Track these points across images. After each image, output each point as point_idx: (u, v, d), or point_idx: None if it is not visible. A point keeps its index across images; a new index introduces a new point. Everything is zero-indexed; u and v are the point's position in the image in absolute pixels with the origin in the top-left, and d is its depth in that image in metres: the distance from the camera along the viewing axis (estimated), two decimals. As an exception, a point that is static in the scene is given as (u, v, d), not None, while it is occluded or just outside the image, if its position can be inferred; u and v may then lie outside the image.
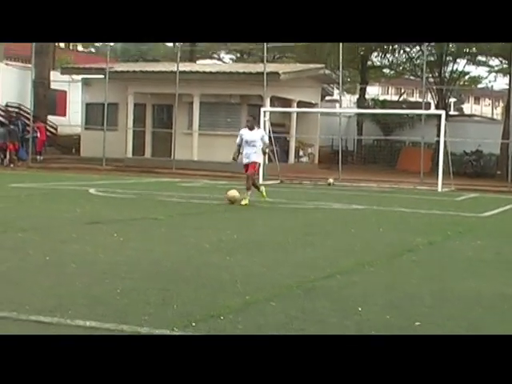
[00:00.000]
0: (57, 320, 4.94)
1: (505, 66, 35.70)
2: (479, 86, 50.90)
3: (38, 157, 30.25)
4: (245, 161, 15.30)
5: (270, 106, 27.75)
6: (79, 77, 33.57)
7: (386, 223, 12.21)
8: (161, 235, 9.71)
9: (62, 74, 34.08)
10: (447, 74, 35.58)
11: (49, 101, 34.50)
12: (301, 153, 32.35)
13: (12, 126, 29.16)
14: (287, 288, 6.37)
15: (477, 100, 76.20)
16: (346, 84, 42.45)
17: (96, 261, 7.39)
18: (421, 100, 34.48)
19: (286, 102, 30.16)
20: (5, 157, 28.17)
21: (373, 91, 54.23)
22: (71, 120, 35.50)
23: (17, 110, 33.94)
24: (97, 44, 62.77)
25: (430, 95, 35.47)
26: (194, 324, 4.95)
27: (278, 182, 24.25)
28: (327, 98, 38.70)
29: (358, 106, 39.59)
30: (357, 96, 43.28)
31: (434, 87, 34.96)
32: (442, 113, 24.70)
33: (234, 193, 14.71)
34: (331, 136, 33.61)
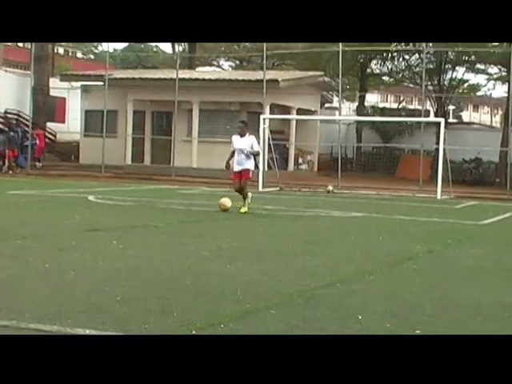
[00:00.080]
0: (56, 328, 4.93)
1: (503, 73, 35.76)
2: (478, 93, 51.07)
3: (37, 164, 30.22)
4: (237, 168, 14.82)
5: (270, 113, 27.78)
6: (78, 84, 33.60)
7: (385, 231, 12.20)
8: (160, 243, 9.69)
9: (61, 80, 34.17)
10: (446, 82, 35.67)
11: (48, 108, 34.53)
12: (300, 160, 32.36)
13: (11, 133, 29.13)
14: (287, 296, 6.35)
15: (476, 108, 76.28)
16: (346, 91, 42.54)
17: (95, 268, 7.37)
18: (420, 108, 34.57)
19: (286, 110, 30.17)
20: (4, 164, 28.10)
21: (372, 99, 54.31)
22: (70, 127, 35.52)
23: (16, 116, 33.96)
24: (96, 51, 62.98)
25: (429, 103, 35.53)
26: (194, 332, 4.93)
27: (278, 189, 24.25)
28: (326, 105, 38.75)
29: (358, 114, 39.67)
30: (356, 103, 43.41)
31: (433, 95, 35.03)
32: (441, 120, 24.66)
33: (226, 201, 14.53)
34: (330, 143, 33.62)
